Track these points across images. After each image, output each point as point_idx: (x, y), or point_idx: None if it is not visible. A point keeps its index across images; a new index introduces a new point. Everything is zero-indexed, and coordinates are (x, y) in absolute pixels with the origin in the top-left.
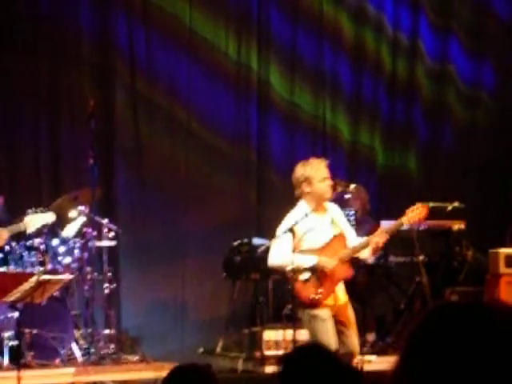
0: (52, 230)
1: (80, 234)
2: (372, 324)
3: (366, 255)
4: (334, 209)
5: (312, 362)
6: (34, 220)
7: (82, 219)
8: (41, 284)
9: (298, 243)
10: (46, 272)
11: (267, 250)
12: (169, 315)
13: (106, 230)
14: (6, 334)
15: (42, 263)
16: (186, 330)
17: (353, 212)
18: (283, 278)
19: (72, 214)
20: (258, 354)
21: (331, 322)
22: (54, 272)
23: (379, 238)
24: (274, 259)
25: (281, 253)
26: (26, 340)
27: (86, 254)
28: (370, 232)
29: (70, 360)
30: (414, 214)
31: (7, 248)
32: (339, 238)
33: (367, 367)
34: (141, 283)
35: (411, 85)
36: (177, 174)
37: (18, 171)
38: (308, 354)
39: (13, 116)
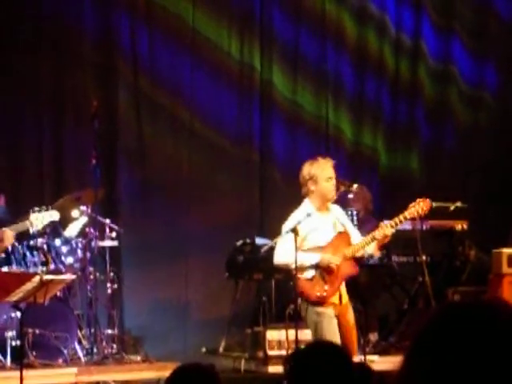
0: (54, 230)
1: (82, 234)
2: (375, 324)
3: (372, 250)
4: (336, 209)
5: (322, 360)
6: (40, 218)
7: (85, 219)
8: (43, 284)
9: (301, 242)
10: (48, 272)
11: (270, 249)
12: (171, 315)
13: (108, 230)
14: (9, 334)
15: (45, 263)
16: (189, 329)
17: (355, 212)
18: (286, 278)
19: (74, 213)
20: (260, 353)
21: (336, 321)
22: (56, 272)
23: (384, 230)
24: (280, 257)
25: (286, 251)
26: (29, 340)
27: (88, 254)
28: (371, 231)
29: (72, 360)
30: (417, 208)
31: (10, 248)
32: (343, 235)
33: None
34: (143, 283)
35: (414, 85)
36: (179, 173)
37: (20, 171)
38: (318, 351)
39: (16, 116)
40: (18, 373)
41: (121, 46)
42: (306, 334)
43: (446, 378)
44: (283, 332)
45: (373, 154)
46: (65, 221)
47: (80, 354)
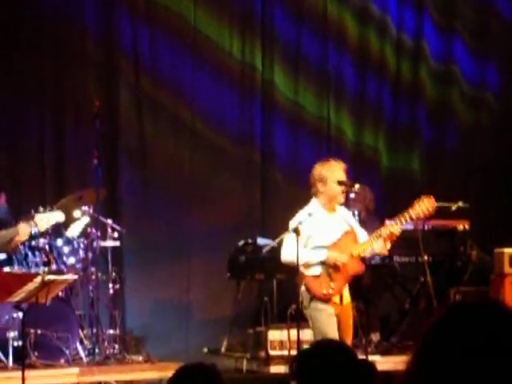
0: (56, 230)
1: (84, 234)
2: (376, 324)
3: (380, 249)
4: (343, 210)
5: (328, 358)
6: (45, 219)
7: (87, 219)
8: (45, 284)
9: (307, 241)
10: (50, 272)
11: (272, 249)
12: (173, 315)
13: (110, 230)
14: (11, 335)
15: (47, 263)
16: (191, 329)
17: (357, 212)
18: (288, 278)
19: (76, 214)
20: (262, 353)
21: (335, 319)
22: (58, 272)
23: (389, 228)
24: (286, 255)
25: (293, 249)
26: (31, 340)
27: (90, 255)
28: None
29: (74, 360)
30: (422, 207)
31: None
32: (350, 234)
33: None
34: (145, 283)
35: (415, 85)
36: (181, 173)
37: (22, 171)
38: (324, 350)
39: (17, 115)
40: (20, 373)
41: (122, 46)
42: (308, 334)
43: (453, 377)
44: (285, 332)
45: (374, 155)
46: (67, 221)
47: (82, 354)
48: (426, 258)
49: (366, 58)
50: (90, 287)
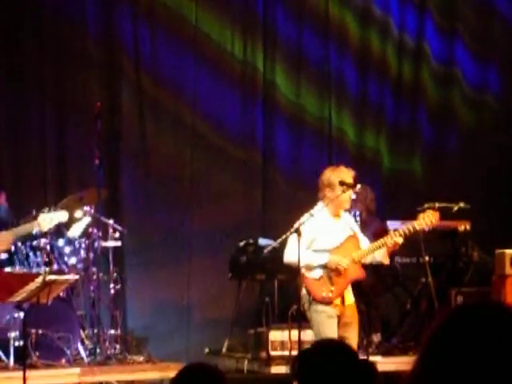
0: (58, 231)
1: (86, 234)
2: (377, 325)
3: (381, 257)
4: (347, 216)
5: (329, 358)
6: (48, 219)
7: (88, 219)
8: (46, 284)
9: (310, 243)
10: (51, 272)
11: (273, 250)
12: (174, 315)
13: (111, 230)
14: (12, 335)
15: (48, 263)
16: (192, 330)
17: (358, 212)
18: (289, 279)
19: (78, 214)
20: (263, 354)
21: (336, 319)
22: (59, 272)
23: (394, 239)
24: (289, 256)
25: (295, 250)
26: (32, 340)
27: (91, 255)
28: (375, 232)
29: (75, 360)
30: (426, 220)
31: (13, 248)
32: (353, 239)
33: None
34: (146, 283)
35: (417, 87)
36: (182, 174)
37: (23, 171)
38: (324, 350)
39: (18, 115)
40: (21, 373)
41: (123, 46)
42: (309, 335)
43: (459, 378)
44: (286, 332)
45: (375, 156)
46: (68, 221)
47: (83, 354)
48: (427, 258)
49: (367, 59)
50: (91, 287)
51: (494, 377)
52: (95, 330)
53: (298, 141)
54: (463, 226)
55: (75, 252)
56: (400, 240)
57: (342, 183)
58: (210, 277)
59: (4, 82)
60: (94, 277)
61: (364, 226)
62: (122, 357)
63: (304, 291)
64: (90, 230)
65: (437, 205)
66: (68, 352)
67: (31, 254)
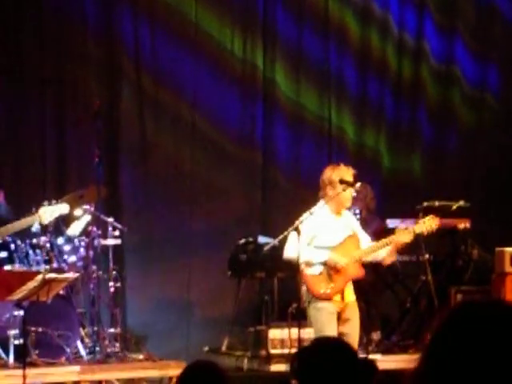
0: (57, 229)
1: (85, 232)
2: (377, 323)
3: (384, 256)
4: (348, 215)
5: (327, 356)
6: (49, 211)
7: (88, 218)
8: (46, 282)
9: (311, 240)
10: (51, 270)
11: (273, 248)
12: (174, 314)
13: (111, 228)
14: (12, 333)
15: (48, 262)
16: (192, 328)
17: (358, 210)
18: (288, 276)
19: (77, 212)
20: (263, 352)
21: (335, 316)
22: (59, 270)
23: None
24: (289, 252)
25: (295, 246)
26: (32, 338)
27: (91, 253)
28: (375, 230)
29: (75, 358)
30: (426, 225)
31: (13, 246)
32: (353, 238)
33: None
34: (146, 282)
35: (416, 86)
36: (182, 172)
37: (23, 169)
38: (323, 348)
39: (18, 114)
40: (20, 371)
41: (123, 43)
42: (309, 333)
43: (463, 376)
44: (286, 331)
45: (375, 156)
46: (68, 219)
47: (83, 352)
48: (427, 256)
49: (367, 57)
50: (91, 285)
51: (498, 374)
52: (95, 328)
53: (297, 139)
54: (463, 224)
55: (75, 250)
56: (406, 238)
57: (342, 181)
58: (210, 275)
59: (4, 82)
60: (94, 275)
61: (364, 225)
62: (122, 355)
63: (304, 288)
64: (90, 228)
65: (436, 203)
66: (68, 350)
67: (31, 252)
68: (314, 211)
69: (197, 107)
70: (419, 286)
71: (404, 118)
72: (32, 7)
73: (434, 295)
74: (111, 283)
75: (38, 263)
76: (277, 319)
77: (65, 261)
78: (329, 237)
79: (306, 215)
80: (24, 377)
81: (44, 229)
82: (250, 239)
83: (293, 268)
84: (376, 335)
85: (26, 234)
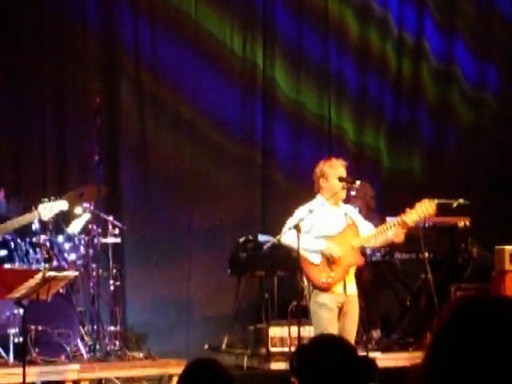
0: (57, 227)
1: (85, 230)
2: (377, 321)
3: (391, 237)
4: (347, 206)
5: (327, 354)
6: (48, 208)
7: (88, 216)
8: (46, 281)
9: (309, 229)
10: (51, 269)
11: (272, 246)
12: (174, 312)
13: (111, 226)
14: (12, 331)
15: (48, 260)
16: (192, 326)
17: (358, 209)
18: (288, 275)
19: (77, 210)
20: (263, 350)
21: (336, 312)
22: (59, 269)
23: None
24: (287, 238)
25: (294, 234)
26: (32, 337)
27: (91, 251)
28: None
29: (75, 357)
30: (423, 207)
31: (12, 245)
32: (351, 227)
33: None
34: (146, 280)
35: (416, 85)
36: (182, 170)
37: (23, 168)
38: (322, 345)
39: (18, 113)
40: (20, 369)
41: (123, 42)
42: (309, 331)
43: (467, 373)
44: (286, 329)
45: (375, 154)
46: (68, 217)
47: (83, 350)
48: (426, 254)
49: (367, 56)
50: (91, 284)
51: (501, 370)
52: (95, 327)
53: (297, 138)
54: (463, 222)
55: (75, 248)
56: (411, 218)
57: (341, 179)
58: (210, 273)
59: (4, 82)
60: (94, 273)
61: None
62: (122, 353)
63: (305, 282)
64: (90, 226)
65: (436, 201)
66: (68, 348)
67: (31, 250)
68: (313, 208)
69: (196, 105)
70: (419, 284)
71: (404, 116)
72: (32, 7)
73: (434, 293)
74: (111, 281)
75: (37, 261)
76: (277, 317)
77: (65, 259)
78: (327, 226)
79: (304, 213)
80: (24, 375)
81: (44, 226)
82: (250, 237)
83: (293, 265)
84: (376, 333)
85: (25, 232)
